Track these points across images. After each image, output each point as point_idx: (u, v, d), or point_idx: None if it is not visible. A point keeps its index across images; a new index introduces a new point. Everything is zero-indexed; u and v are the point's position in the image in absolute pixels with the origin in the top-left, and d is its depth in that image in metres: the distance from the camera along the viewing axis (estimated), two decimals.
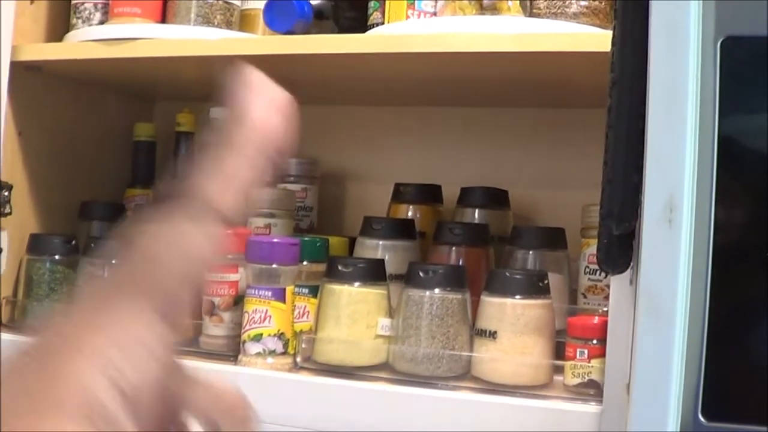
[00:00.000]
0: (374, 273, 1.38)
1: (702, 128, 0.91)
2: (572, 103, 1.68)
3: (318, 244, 1.50)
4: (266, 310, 1.35)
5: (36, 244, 1.60)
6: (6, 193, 1.54)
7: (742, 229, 0.97)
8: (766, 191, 0.94)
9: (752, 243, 0.96)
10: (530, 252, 1.50)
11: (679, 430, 0.84)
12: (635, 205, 0.93)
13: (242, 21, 1.58)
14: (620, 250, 0.97)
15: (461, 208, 1.66)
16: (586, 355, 1.24)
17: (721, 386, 0.98)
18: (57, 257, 1.58)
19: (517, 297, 1.29)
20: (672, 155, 0.85)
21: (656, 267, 0.86)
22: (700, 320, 0.94)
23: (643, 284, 0.86)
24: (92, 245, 1.56)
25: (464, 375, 1.30)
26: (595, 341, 1.23)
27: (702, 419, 0.97)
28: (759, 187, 0.95)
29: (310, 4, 1.45)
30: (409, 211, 1.66)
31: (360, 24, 1.49)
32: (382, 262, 1.41)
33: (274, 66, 1.51)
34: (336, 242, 1.58)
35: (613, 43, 0.98)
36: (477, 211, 1.64)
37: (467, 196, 1.66)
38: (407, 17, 1.40)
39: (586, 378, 1.23)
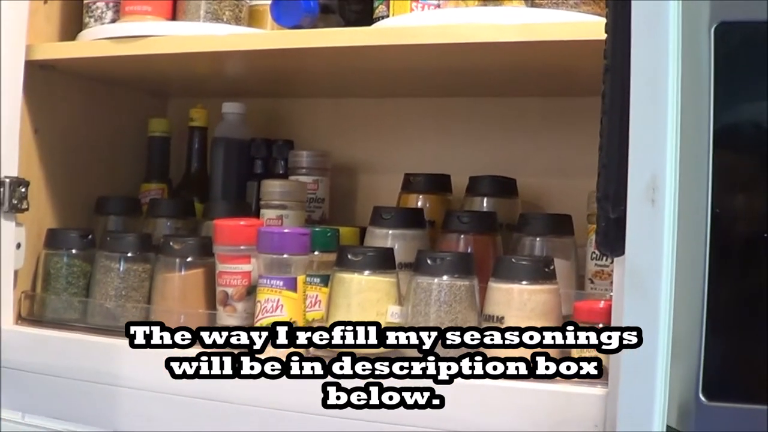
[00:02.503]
0: (384, 261, 1.40)
1: (694, 110, 0.93)
2: (578, 91, 1.69)
3: (329, 234, 1.52)
4: (278, 300, 1.37)
5: (53, 239, 1.63)
6: (23, 189, 1.56)
7: (739, 208, 0.98)
8: (761, 171, 0.96)
9: (750, 222, 0.98)
10: (537, 239, 1.51)
11: (672, 407, 0.85)
12: None
13: (251, 17, 1.60)
14: (618, 232, 0.98)
15: (470, 196, 1.67)
16: None
17: (721, 366, 0.99)
18: (74, 251, 1.61)
19: (524, 283, 1.31)
20: (653, 135, 0.86)
21: (640, 245, 0.87)
22: (698, 300, 0.96)
23: (628, 263, 0.87)
24: (108, 239, 1.58)
25: None
26: (601, 325, 1.24)
27: (702, 398, 0.98)
28: (754, 168, 0.97)
29: None
30: (419, 201, 1.68)
31: (366, 17, 1.51)
32: (391, 250, 1.43)
33: (282, 60, 1.55)
34: (346, 232, 1.60)
35: (606, 31, 1.00)
36: (485, 199, 1.65)
37: (476, 185, 1.67)
38: (411, 9, 1.42)
39: (593, 362, 1.24)
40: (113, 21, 1.60)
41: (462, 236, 1.52)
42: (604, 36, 1.04)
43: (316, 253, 1.47)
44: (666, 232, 0.86)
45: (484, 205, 1.65)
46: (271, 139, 1.92)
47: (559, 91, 1.75)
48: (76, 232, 1.63)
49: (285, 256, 1.38)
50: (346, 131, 1.97)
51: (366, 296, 1.37)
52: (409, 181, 1.71)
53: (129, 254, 1.56)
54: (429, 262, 1.35)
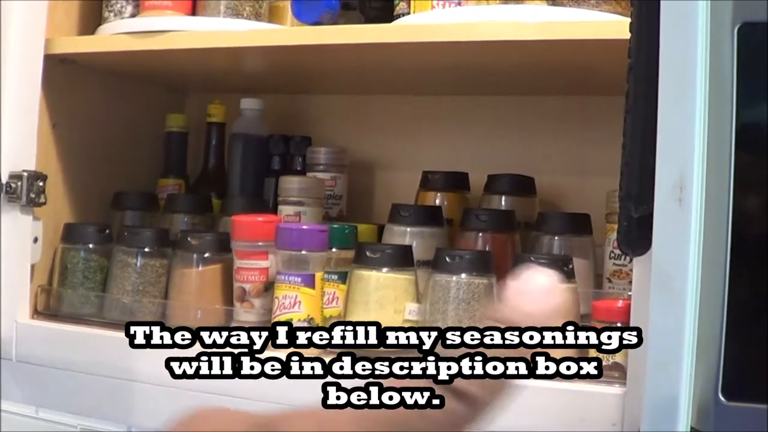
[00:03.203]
0: (402, 259, 1.40)
1: (719, 110, 0.92)
2: (597, 90, 1.68)
3: (347, 231, 1.51)
4: (296, 296, 1.36)
5: (70, 233, 1.62)
6: (41, 184, 1.56)
7: (761, 207, 0.97)
8: None
9: None
10: (556, 238, 1.51)
11: (691, 406, 0.85)
12: (653, 186, 0.94)
13: (271, 13, 1.59)
14: (640, 231, 0.97)
15: (488, 195, 1.67)
16: None
17: (741, 365, 0.98)
18: (91, 246, 1.61)
19: None
20: (681, 134, 0.86)
21: (667, 245, 0.87)
22: (719, 299, 0.95)
23: (655, 262, 0.87)
24: (125, 234, 1.58)
25: None
26: (619, 324, 1.24)
27: (722, 398, 0.98)
28: None
29: None
30: (437, 199, 1.68)
31: (386, 14, 1.51)
32: (409, 248, 1.43)
33: (302, 56, 1.55)
34: (365, 229, 1.59)
35: (631, 29, 0.99)
36: (504, 197, 1.65)
37: (494, 183, 1.67)
38: (432, 7, 1.41)
39: (611, 361, 1.24)
40: (133, 16, 1.60)
41: (480, 234, 1.52)
42: (624, 35, 1.04)
43: (334, 249, 1.47)
44: (693, 232, 0.85)
45: (503, 203, 1.65)
46: (289, 135, 1.91)
47: (579, 89, 1.74)
48: (94, 226, 1.63)
49: (303, 252, 1.38)
50: (364, 128, 1.96)
51: (384, 293, 1.37)
52: (427, 178, 1.70)
53: (146, 249, 1.56)
54: (448, 259, 1.35)
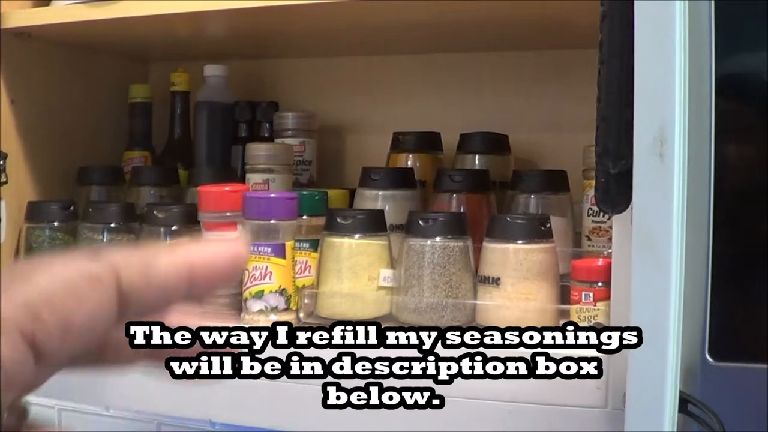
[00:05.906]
0: (374, 224, 1.36)
1: (698, 60, 0.89)
2: (571, 43, 1.65)
3: (317, 198, 1.48)
4: (266, 267, 1.33)
5: (34, 212, 1.58)
6: (1, 162, 1.53)
7: (745, 162, 0.95)
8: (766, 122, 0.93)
9: (755, 177, 0.95)
10: (532, 196, 1.48)
11: (679, 367, 0.82)
12: (631, 141, 0.91)
13: None
14: (619, 188, 0.94)
15: (461, 154, 1.64)
16: (591, 298, 1.22)
17: (727, 325, 0.96)
18: (56, 224, 1.57)
19: (519, 242, 1.28)
20: (660, 85, 0.82)
21: (649, 202, 0.83)
22: (703, 259, 0.93)
23: (636, 221, 0.83)
24: (91, 210, 1.54)
25: (469, 323, 1.29)
26: (600, 284, 1.22)
27: (709, 358, 0.95)
28: (759, 118, 0.93)
29: None
30: (409, 160, 1.65)
31: None
32: (381, 212, 1.40)
33: (265, 19, 1.51)
34: (335, 195, 1.56)
35: None
36: (477, 157, 1.62)
37: (467, 143, 1.64)
38: None
39: (592, 321, 1.21)
40: None
41: (454, 195, 1.49)
42: None
43: (304, 217, 1.43)
44: (675, 189, 0.81)
45: (476, 162, 1.62)
46: (255, 101, 1.88)
47: (552, 44, 1.71)
48: (58, 203, 1.59)
49: (272, 221, 1.34)
50: (332, 91, 1.93)
51: (357, 260, 1.34)
52: (398, 140, 1.67)
53: (112, 225, 1.52)
54: (421, 223, 1.32)
